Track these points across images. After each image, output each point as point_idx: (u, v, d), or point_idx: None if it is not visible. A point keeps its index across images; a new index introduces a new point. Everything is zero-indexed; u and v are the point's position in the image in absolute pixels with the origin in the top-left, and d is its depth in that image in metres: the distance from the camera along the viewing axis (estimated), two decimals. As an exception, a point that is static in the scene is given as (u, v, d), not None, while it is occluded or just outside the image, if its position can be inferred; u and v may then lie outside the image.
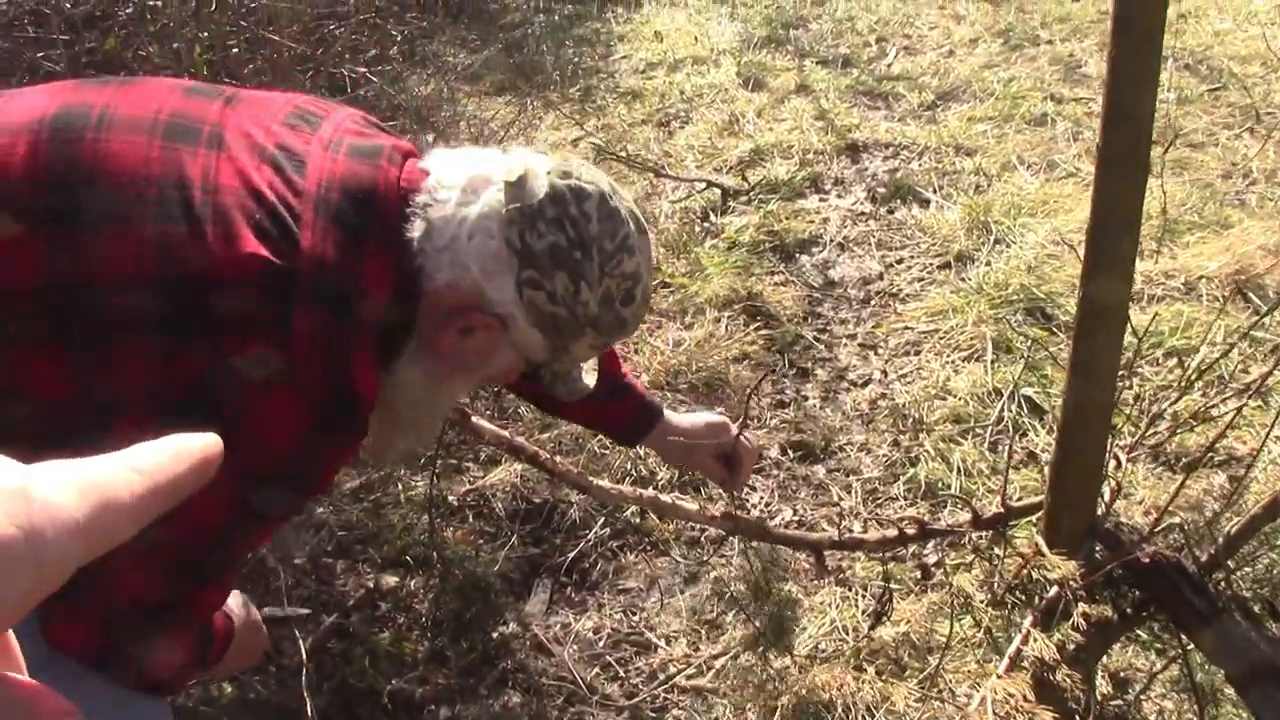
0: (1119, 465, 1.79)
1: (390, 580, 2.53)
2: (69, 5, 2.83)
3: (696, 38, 5.69)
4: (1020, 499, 2.04)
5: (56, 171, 1.20)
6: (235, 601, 1.74)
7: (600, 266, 1.32)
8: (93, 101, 1.26)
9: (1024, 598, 1.78)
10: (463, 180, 1.33)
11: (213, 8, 3.00)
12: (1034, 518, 1.90)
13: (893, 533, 1.97)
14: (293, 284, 1.20)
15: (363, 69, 3.52)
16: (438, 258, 1.31)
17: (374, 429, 1.34)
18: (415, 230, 1.31)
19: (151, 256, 1.19)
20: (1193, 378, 2.24)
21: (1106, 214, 1.55)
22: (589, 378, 1.58)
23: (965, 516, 2.01)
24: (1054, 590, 1.58)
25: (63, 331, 1.19)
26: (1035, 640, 1.52)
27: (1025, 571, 1.61)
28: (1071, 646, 1.55)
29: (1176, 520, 1.87)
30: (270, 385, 1.20)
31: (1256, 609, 1.58)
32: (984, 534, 2.07)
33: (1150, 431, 1.89)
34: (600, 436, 2.84)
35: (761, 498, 2.78)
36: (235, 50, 3.04)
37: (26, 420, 1.22)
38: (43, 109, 1.25)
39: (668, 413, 1.97)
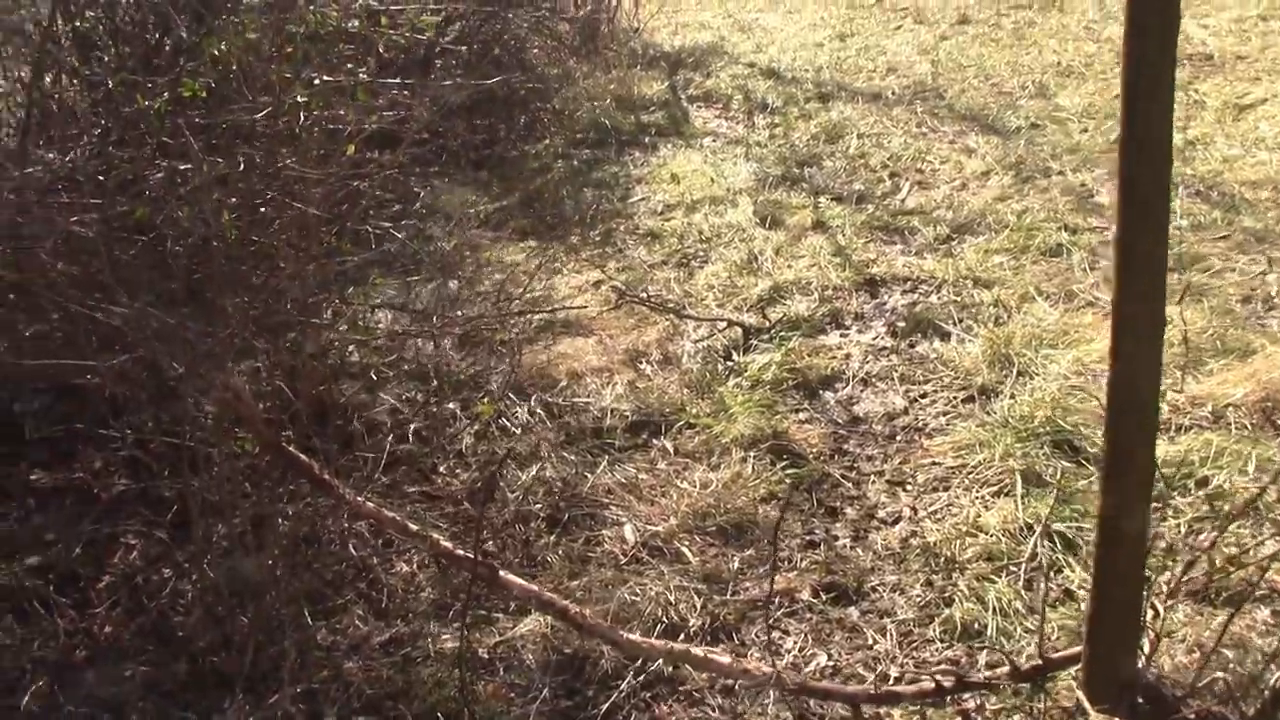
0: (1157, 615, 1.76)
1: (421, 739, 2.49)
2: (100, 173, 2.94)
3: (713, 179, 5.82)
4: (1058, 639, 2.00)
5: None
6: None
7: None
8: None
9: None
10: None
11: (240, 168, 3.09)
12: (1074, 669, 1.87)
13: (929, 685, 1.93)
14: None
15: (387, 224, 3.62)
16: None
17: None
18: None
19: None
20: (1230, 516, 2.20)
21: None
22: None
23: (1004, 664, 1.97)
24: (1099, 752, 1.54)
25: None
26: (1084, 806, 1.48)
27: (1068, 729, 1.57)
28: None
29: (1221, 673, 1.82)
30: None
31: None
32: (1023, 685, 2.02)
33: (1186, 577, 1.87)
34: (630, 582, 2.82)
35: (795, 643, 2.73)
36: (263, 210, 3.13)
37: None
38: None
39: None
